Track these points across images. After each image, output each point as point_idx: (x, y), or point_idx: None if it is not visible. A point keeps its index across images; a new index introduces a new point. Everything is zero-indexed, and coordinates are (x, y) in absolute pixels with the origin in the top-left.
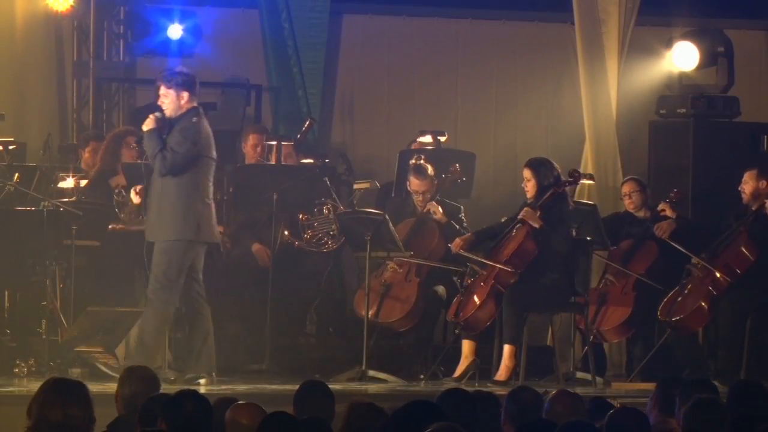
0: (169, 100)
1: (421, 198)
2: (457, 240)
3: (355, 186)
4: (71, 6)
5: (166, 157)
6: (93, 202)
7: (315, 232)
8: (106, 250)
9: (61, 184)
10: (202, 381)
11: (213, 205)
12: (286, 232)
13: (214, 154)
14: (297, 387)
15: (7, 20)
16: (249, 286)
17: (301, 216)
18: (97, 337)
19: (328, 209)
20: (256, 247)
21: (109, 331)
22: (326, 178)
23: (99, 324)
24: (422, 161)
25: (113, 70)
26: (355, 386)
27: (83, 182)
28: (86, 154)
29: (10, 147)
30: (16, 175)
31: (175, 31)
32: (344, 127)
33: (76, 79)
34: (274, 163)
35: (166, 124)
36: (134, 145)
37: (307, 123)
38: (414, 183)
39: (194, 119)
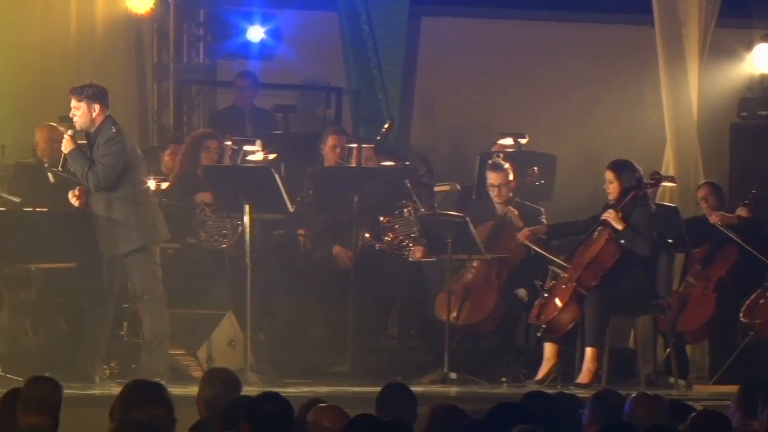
0: (81, 113)
1: (497, 191)
2: (526, 230)
3: (436, 188)
4: (151, 8)
5: (97, 173)
6: (174, 204)
7: (396, 235)
8: (187, 253)
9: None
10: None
11: (155, 202)
12: (367, 235)
13: (139, 152)
14: (379, 389)
15: (87, 23)
16: (330, 289)
17: (382, 218)
18: (178, 339)
19: (409, 211)
20: (337, 249)
21: (191, 333)
22: (407, 181)
23: (180, 326)
24: (499, 159)
25: (193, 72)
26: (437, 389)
27: (164, 185)
28: (166, 157)
29: None
30: None
31: (255, 33)
32: (425, 130)
33: (157, 81)
34: (355, 165)
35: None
36: (213, 147)
37: (387, 125)
38: (491, 176)
39: (113, 128)
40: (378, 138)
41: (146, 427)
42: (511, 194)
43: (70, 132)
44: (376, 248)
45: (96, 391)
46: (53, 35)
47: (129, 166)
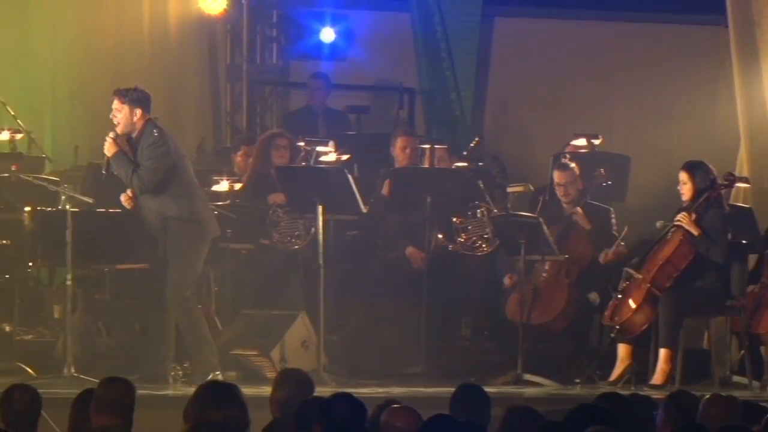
0: (122, 115)
1: (563, 191)
2: (609, 254)
3: (509, 189)
4: (225, 10)
5: (142, 176)
6: (247, 205)
7: (469, 236)
8: (261, 254)
9: (216, 188)
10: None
11: (205, 197)
12: (440, 236)
13: (184, 151)
14: (453, 390)
15: (161, 25)
16: (404, 290)
17: (455, 219)
18: (252, 340)
19: (482, 212)
20: (410, 250)
21: (264, 334)
22: (480, 182)
23: (254, 327)
24: (566, 159)
25: (267, 73)
26: (510, 390)
27: (237, 186)
28: (239, 158)
29: None
30: None
31: (327, 34)
32: (497, 130)
33: (230, 83)
34: (427, 166)
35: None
36: (284, 146)
37: (475, 142)
38: (557, 176)
39: (155, 132)
40: (465, 153)
41: (221, 427)
42: (578, 194)
43: (111, 135)
44: (449, 249)
45: (169, 392)
46: (127, 37)
47: (175, 167)
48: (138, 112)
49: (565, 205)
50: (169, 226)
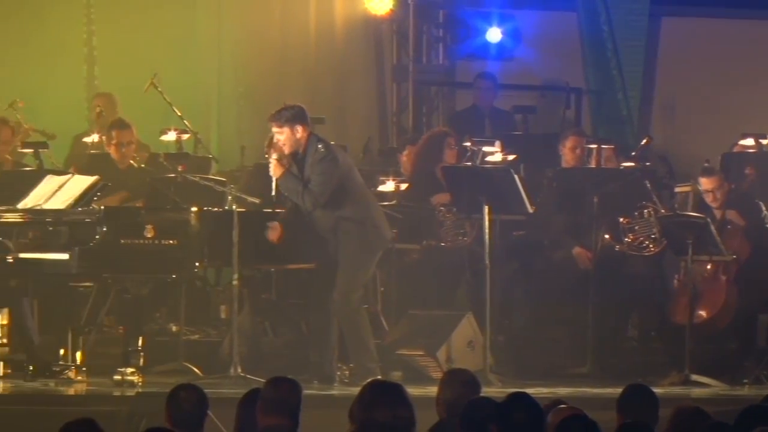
0: (285, 137)
1: (711, 197)
2: None
3: (677, 189)
4: (391, 10)
5: (313, 191)
6: (413, 205)
7: (636, 236)
8: (427, 255)
9: (381, 188)
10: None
11: (375, 199)
12: (607, 236)
13: (350, 160)
14: (619, 391)
15: (327, 25)
16: (570, 290)
17: (622, 219)
18: (418, 341)
19: (649, 212)
20: (577, 250)
21: (430, 334)
22: (647, 181)
23: (420, 327)
24: (709, 164)
25: (433, 73)
26: (677, 390)
27: (403, 186)
28: (404, 158)
29: None
30: None
31: (494, 34)
32: (664, 130)
33: (396, 83)
34: (594, 166)
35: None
36: (454, 145)
37: (645, 141)
38: (704, 182)
39: (320, 146)
40: (633, 153)
41: (388, 427)
42: (725, 197)
43: (275, 156)
44: (616, 249)
45: (335, 392)
46: (293, 38)
47: (344, 178)
48: (299, 128)
49: (715, 211)
50: (341, 230)
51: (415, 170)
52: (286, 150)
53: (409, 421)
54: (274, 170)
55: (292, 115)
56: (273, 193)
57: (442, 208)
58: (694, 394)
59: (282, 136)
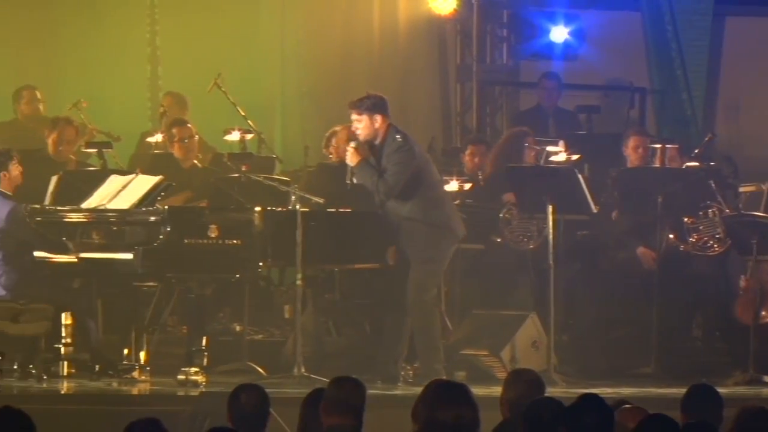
0: (363, 125)
1: None
2: None
3: (741, 189)
4: (455, 9)
5: (388, 181)
6: (477, 205)
7: (700, 236)
8: (491, 254)
9: (445, 188)
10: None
11: (448, 195)
12: (671, 236)
13: (428, 156)
14: (683, 391)
15: (390, 25)
16: (634, 290)
17: (686, 219)
18: (482, 341)
19: (713, 212)
20: (641, 250)
21: (494, 334)
22: (711, 181)
23: (484, 327)
24: None
25: (497, 73)
26: (742, 390)
27: (467, 186)
28: (467, 158)
29: None
30: None
31: (559, 34)
32: (729, 130)
33: (460, 82)
34: (659, 166)
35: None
36: (533, 145)
37: (707, 138)
38: None
39: (398, 137)
40: (696, 151)
41: (452, 427)
42: None
43: (353, 144)
44: (680, 249)
45: (399, 392)
46: (356, 37)
47: (419, 171)
48: (378, 118)
49: None
50: (414, 229)
51: (494, 169)
52: (361, 138)
53: (473, 421)
54: (351, 157)
55: (373, 104)
56: (348, 180)
57: (511, 207)
58: (758, 394)
59: (360, 124)
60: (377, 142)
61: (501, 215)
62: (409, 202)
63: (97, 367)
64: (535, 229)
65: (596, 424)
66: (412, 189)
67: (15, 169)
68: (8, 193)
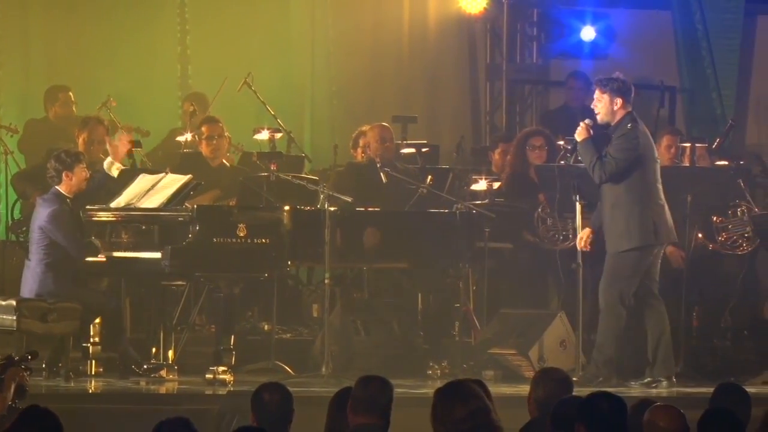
0: (602, 105)
1: None
2: None
3: None
4: (484, 8)
5: (605, 164)
6: (506, 204)
7: (729, 235)
8: (519, 253)
9: (474, 187)
10: (663, 384)
11: (666, 206)
12: (699, 235)
13: (656, 154)
14: (712, 389)
15: (420, 24)
16: (663, 288)
17: (715, 218)
18: (510, 340)
19: (742, 211)
20: (670, 249)
21: (522, 333)
22: (740, 180)
23: (512, 326)
24: None
25: (526, 72)
26: None
27: (495, 185)
28: (496, 156)
29: (423, 150)
30: (429, 177)
31: (588, 32)
32: (759, 129)
33: (489, 81)
34: (687, 165)
35: (598, 131)
36: (538, 145)
37: (729, 124)
38: None
39: (629, 125)
40: (718, 139)
41: (470, 419)
42: None
43: (587, 121)
44: (709, 248)
45: (427, 391)
46: (385, 36)
47: (640, 164)
48: (618, 101)
49: None
50: (617, 217)
51: (509, 170)
52: (600, 117)
53: (485, 409)
54: (580, 132)
55: (617, 87)
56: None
57: (546, 206)
58: None
59: (600, 103)
60: (612, 124)
61: (537, 213)
62: (620, 191)
63: (125, 366)
64: (571, 228)
65: (610, 416)
66: (626, 179)
67: (80, 173)
68: (64, 194)
